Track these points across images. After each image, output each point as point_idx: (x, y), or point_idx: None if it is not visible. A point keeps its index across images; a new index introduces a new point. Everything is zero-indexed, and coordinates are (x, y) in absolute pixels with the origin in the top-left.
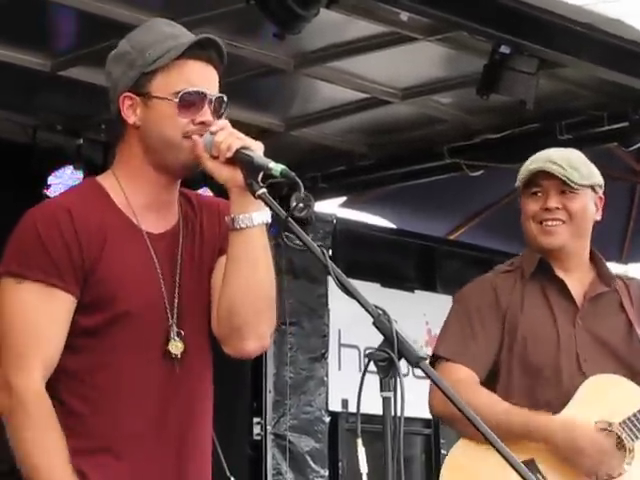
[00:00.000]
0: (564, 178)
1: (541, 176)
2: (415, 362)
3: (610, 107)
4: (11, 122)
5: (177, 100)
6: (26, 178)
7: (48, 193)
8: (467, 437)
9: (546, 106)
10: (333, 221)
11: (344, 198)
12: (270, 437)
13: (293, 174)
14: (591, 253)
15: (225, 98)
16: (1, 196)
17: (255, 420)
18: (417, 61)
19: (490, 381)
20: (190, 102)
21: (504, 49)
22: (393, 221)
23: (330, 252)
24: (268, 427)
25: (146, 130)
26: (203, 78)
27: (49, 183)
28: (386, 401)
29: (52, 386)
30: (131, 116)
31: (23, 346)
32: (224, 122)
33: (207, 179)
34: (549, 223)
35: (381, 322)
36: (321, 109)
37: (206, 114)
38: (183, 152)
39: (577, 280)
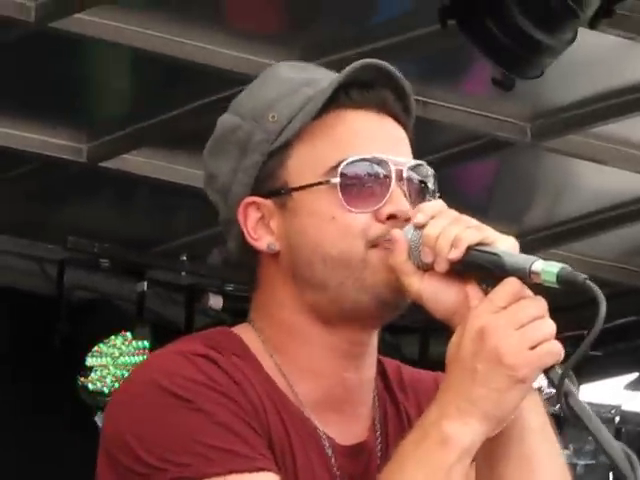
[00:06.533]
0: None
1: None
2: None
3: None
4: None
5: (338, 180)
6: None
7: None
8: None
9: None
10: None
11: None
12: None
13: (583, 278)
14: None
15: (429, 168)
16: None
17: None
18: None
19: None
20: (362, 180)
21: None
22: None
23: None
24: None
25: (294, 254)
26: (378, 137)
27: None
28: None
29: None
30: (263, 237)
31: None
32: (438, 203)
33: None
34: None
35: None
36: None
37: (398, 199)
38: (373, 273)
39: None
